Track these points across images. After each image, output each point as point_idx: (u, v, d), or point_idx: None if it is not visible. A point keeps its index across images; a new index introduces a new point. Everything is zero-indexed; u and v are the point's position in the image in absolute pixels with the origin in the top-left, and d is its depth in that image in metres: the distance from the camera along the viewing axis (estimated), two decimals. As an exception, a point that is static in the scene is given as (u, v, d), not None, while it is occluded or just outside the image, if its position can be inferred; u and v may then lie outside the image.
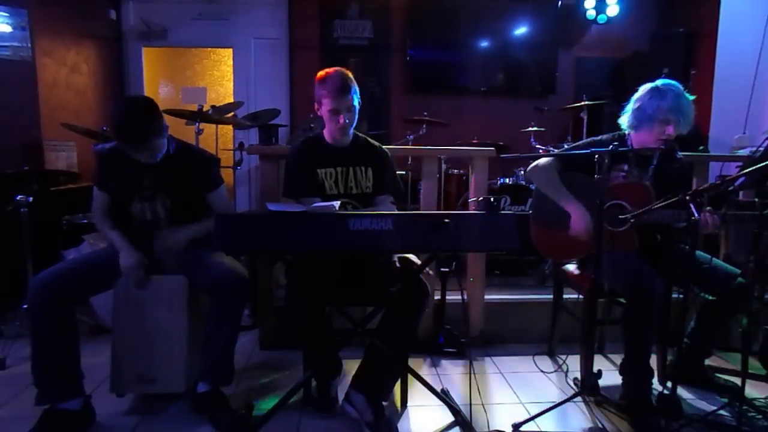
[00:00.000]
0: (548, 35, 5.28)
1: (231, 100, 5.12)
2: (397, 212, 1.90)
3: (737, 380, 1.97)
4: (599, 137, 2.42)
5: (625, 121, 2.35)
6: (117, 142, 2.07)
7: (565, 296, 2.69)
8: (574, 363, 2.52)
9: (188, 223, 2.18)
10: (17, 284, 2.74)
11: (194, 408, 2.13)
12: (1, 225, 2.95)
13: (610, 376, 2.31)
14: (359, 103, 2.22)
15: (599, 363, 2.32)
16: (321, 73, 2.20)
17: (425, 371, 2.62)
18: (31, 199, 2.77)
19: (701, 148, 4.13)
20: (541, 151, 4.24)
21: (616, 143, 2.10)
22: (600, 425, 2.12)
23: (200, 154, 2.33)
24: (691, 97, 2.23)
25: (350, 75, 2.19)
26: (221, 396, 2.13)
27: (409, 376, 2.23)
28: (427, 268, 2.22)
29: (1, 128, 3.51)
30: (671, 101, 2.17)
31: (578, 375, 2.43)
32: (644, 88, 2.29)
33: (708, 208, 2.03)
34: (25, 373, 2.14)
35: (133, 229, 2.17)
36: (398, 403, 2.27)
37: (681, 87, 2.24)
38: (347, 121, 2.19)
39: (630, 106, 2.32)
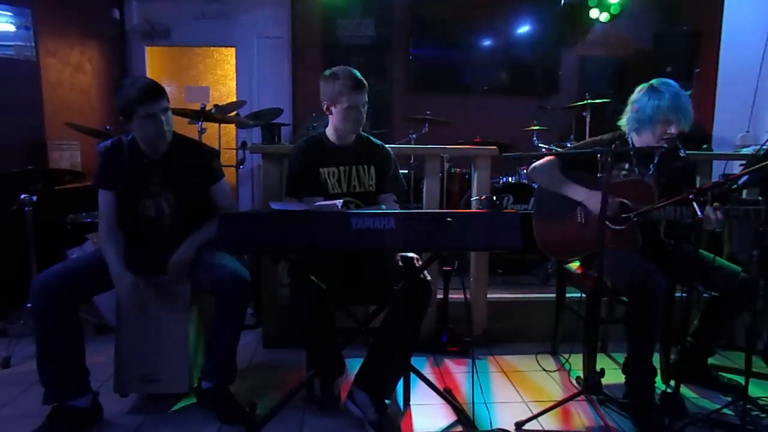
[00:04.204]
0: (551, 34, 5.28)
1: (234, 99, 5.13)
2: (399, 211, 1.91)
3: (741, 379, 1.96)
4: (600, 137, 2.42)
5: (624, 123, 2.34)
6: (134, 106, 2.01)
7: (568, 295, 2.69)
8: (577, 362, 2.52)
9: (192, 220, 2.18)
10: (21, 283, 2.75)
11: (200, 404, 2.15)
12: (6, 224, 2.96)
13: (614, 375, 2.31)
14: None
15: (602, 362, 2.33)
16: (329, 72, 2.21)
17: (428, 370, 2.62)
18: (35, 198, 2.78)
19: (705, 146, 4.13)
20: (543, 150, 4.24)
21: (617, 142, 2.10)
22: (603, 424, 2.12)
23: (200, 146, 2.34)
24: (687, 92, 2.22)
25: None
26: (226, 391, 2.15)
27: (412, 375, 2.23)
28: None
29: (6, 128, 3.52)
30: (670, 101, 2.16)
31: (581, 374, 2.43)
32: (640, 89, 2.28)
33: (715, 203, 2.02)
34: (30, 372, 2.16)
35: (139, 229, 2.17)
36: (401, 402, 2.27)
37: (677, 84, 2.23)
38: (363, 117, 2.21)
39: (628, 109, 2.32)
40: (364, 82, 2.19)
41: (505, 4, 5.23)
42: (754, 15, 4.49)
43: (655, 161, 2.34)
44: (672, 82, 2.23)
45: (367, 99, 2.21)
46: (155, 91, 2.04)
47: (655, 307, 2.08)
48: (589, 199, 2.29)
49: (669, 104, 2.17)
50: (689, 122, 2.20)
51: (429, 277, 2.16)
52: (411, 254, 2.23)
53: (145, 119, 2.03)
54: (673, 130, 2.19)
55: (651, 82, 2.26)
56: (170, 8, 5.14)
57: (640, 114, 2.25)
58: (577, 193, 2.33)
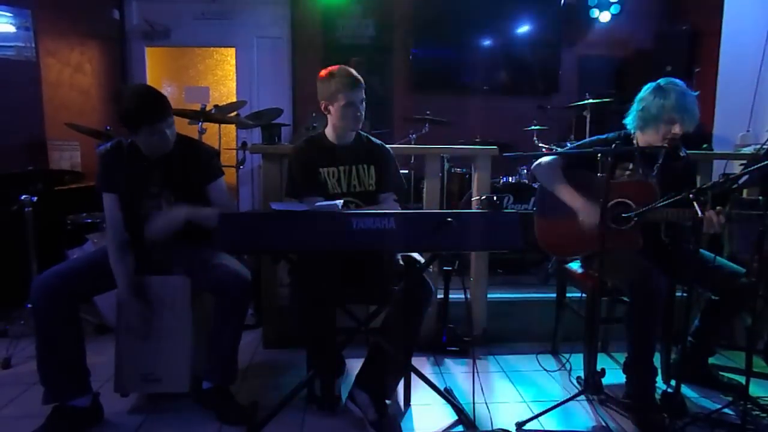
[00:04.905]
0: (551, 33, 5.27)
1: (234, 99, 5.13)
2: (399, 211, 1.90)
3: (741, 378, 1.96)
4: (604, 136, 2.42)
5: (630, 122, 2.34)
6: (141, 125, 1.99)
7: (568, 295, 2.69)
8: (577, 361, 2.52)
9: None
10: (22, 284, 2.75)
11: (200, 404, 2.15)
12: (6, 225, 2.96)
13: (614, 375, 2.31)
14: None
15: (603, 361, 2.33)
16: (324, 72, 2.21)
17: (428, 370, 2.62)
18: (35, 198, 2.78)
19: (705, 146, 4.12)
20: (544, 149, 4.24)
21: (619, 142, 2.10)
22: (604, 424, 2.12)
23: (200, 145, 2.34)
24: (695, 93, 2.22)
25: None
26: (227, 391, 2.15)
27: (413, 375, 2.23)
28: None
29: (6, 128, 3.52)
30: (675, 100, 2.16)
31: (582, 373, 2.43)
32: (647, 88, 2.28)
33: (718, 207, 2.02)
34: (31, 372, 2.16)
35: (140, 229, 2.17)
36: (402, 402, 2.27)
37: (684, 84, 2.23)
38: (361, 114, 2.21)
39: (634, 107, 2.31)
40: (360, 79, 2.20)
41: (505, 4, 5.22)
42: (754, 14, 4.49)
43: (660, 161, 2.34)
44: (680, 82, 2.23)
45: (364, 96, 2.22)
46: (161, 110, 2.02)
47: (655, 307, 2.08)
48: (584, 210, 2.28)
49: (674, 104, 2.16)
50: (694, 123, 2.20)
51: (429, 277, 2.15)
52: (411, 254, 2.23)
53: (151, 136, 2.03)
54: (677, 129, 2.19)
55: (659, 81, 2.25)
56: (170, 8, 5.14)
57: (645, 112, 2.25)
58: (574, 200, 2.32)
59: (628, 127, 2.36)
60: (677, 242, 2.33)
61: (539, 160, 2.46)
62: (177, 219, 2.08)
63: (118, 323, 2.08)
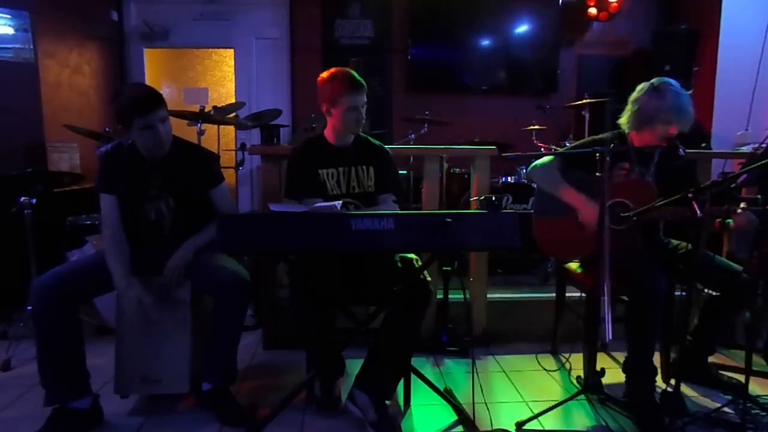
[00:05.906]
0: (550, 33, 5.27)
1: (233, 100, 5.13)
2: (398, 212, 1.90)
3: (741, 377, 1.96)
4: (600, 136, 2.42)
5: (625, 122, 2.34)
6: (132, 117, 2.00)
7: (567, 294, 2.69)
8: (577, 361, 2.52)
9: (192, 223, 2.19)
10: (21, 286, 2.75)
11: (200, 405, 2.15)
12: (5, 226, 2.96)
13: (614, 375, 2.31)
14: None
15: (602, 361, 2.32)
16: (326, 74, 2.21)
17: (428, 370, 2.62)
18: (34, 200, 2.78)
19: (704, 145, 4.13)
20: (543, 149, 4.24)
21: (616, 141, 2.09)
22: (603, 423, 2.12)
23: (200, 150, 2.34)
24: (688, 92, 2.22)
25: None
26: (226, 392, 2.15)
27: (412, 375, 2.23)
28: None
29: (4, 130, 3.52)
30: (671, 101, 2.16)
31: (581, 373, 2.43)
32: (641, 89, 2.27)
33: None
34: (31, 374, 2.16)
35: (139, 232, 2.17)
36: (401, 402, 2.27)
37: (678, 84, 2.23)
38: (363, 117, 2.21)
39: (629, 107, 2.31)
40: (363, 82, 2.19)
41: (504, 4, 5.22)
42: (753, 13, 4.50)
43: (656, 161, 2.34)
44: (673, 81, 2.23)
45: (366, 99, 2.21)
46: (152, 102, 2.03)
47: (655, 306, 2.08)
48: (584, 206, 2.27)
49: (670, 105, 2.16)
50: (689, 123, 2.20)
51: (429, 278, 2.16)
52: (410, 255, 2.23)
53: (143, 130, 2.03)
54: (673, 130, 2.19)
55: (652, 81, 2.25)
56: (169, 10, 5.14)
57: (641, 113, 2.24)
58: (574, 198, 2.31)
59: (623, 127, 2.36)
60: (692, 244, 2.33)
61: (534, 164, 2.46)
62: (187, 258, 2.12)
63: (118, 321, 2.08)
